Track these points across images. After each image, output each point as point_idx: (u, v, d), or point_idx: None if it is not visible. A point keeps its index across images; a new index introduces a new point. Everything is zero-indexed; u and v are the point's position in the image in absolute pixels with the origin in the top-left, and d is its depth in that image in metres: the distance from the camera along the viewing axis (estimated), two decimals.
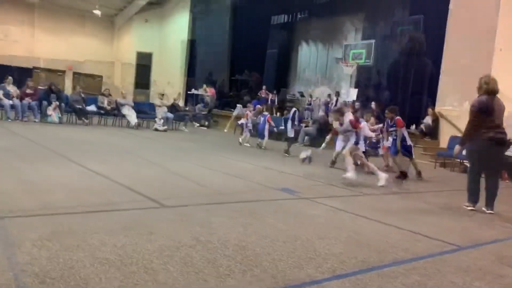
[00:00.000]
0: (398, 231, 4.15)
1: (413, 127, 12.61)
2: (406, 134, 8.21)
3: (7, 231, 3.10)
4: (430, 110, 12.52)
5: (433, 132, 12.45)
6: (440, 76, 12.53)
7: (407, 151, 8.14)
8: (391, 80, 14.18)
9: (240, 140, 11.84)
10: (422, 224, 4.54)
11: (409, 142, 8.20)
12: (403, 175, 7.90)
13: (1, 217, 3.40)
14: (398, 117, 8.10)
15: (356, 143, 7.19)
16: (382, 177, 6.67)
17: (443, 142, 12.10)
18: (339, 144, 8.52)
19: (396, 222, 4.51)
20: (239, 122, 16.85)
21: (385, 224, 4.37)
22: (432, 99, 12.90)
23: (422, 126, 12.53)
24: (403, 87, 13.89)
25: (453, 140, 10.56)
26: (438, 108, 12.49)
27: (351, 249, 3.44)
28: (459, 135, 8.78)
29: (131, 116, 14.42)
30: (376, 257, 3.29)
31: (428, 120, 12.52)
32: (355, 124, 7.26)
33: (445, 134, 12.23)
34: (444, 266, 3.25)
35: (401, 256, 3.39)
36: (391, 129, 8.18)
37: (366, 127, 8.49)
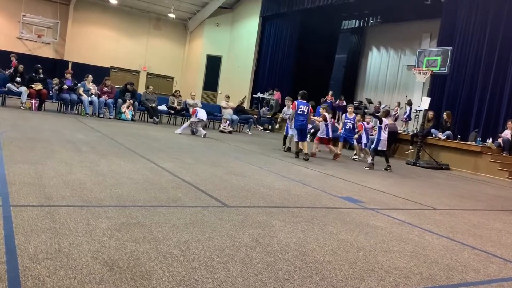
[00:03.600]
0: (469, 250, 3.90)
1: (490, 140, 11.84)
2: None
3: (81, 219, 3.30)
4: (510, 123, 11.69)
5: (511, 147, 11.61)
6: None
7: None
8: (467, 89, 13.42)
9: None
10: (497, 244, 4.24)
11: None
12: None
13: (77, 206, 3.63)
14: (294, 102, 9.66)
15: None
16: None
17: None
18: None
19: (467, 239, 4.25)
20: None
21: (455, 241, 4.12)
22: None
23: (499, 140, 11.72)
24: (480, 97, 13.09)
25: None
26: None
27: (417, 264, 3.28)
28: None
29: None
30: (443, 275, 3.11)
31: (507, 133, 11.69)
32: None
33: None
34: None
35: (472, 277, 3.18)
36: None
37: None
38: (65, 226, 3.06)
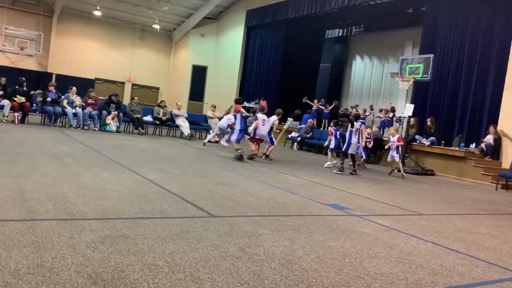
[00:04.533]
0: (454, 254, 3.94)
1: (473, 145, 12.01)
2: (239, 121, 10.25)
3: (65, 232, 3.25)
4: (492, 129, 11.89)
5: (494, 152, 11.80)
6: (504, 93, 11.91)
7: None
8: (450, 95, 13.64)
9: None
10: (481, 247, 4.29)
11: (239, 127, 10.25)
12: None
13: (60, 219, 3.58)
14: (237, 105, 10.57)
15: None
16: None
17: (506, 162, 11.45)
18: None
19: (452, 244, 4.29)
20: (290, 135, 16.86)
21: (440, 246, 4.16)
22: (494, 116, 12.27)
23: (482, 145, 11.91)
24: (462, 103, 13.31)
25: None
26: (500, 127, 11.85)
27: (402, 269, 3.30)
28: None
29: (185, 127, 14.82)
30: (428, 280, 3.14)
31: (489, 138, 11.88)
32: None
33: (508, 154, 11.60)
34: None
35: (456, 281, 3.21)
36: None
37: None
38: (48, 240, 3.02)
